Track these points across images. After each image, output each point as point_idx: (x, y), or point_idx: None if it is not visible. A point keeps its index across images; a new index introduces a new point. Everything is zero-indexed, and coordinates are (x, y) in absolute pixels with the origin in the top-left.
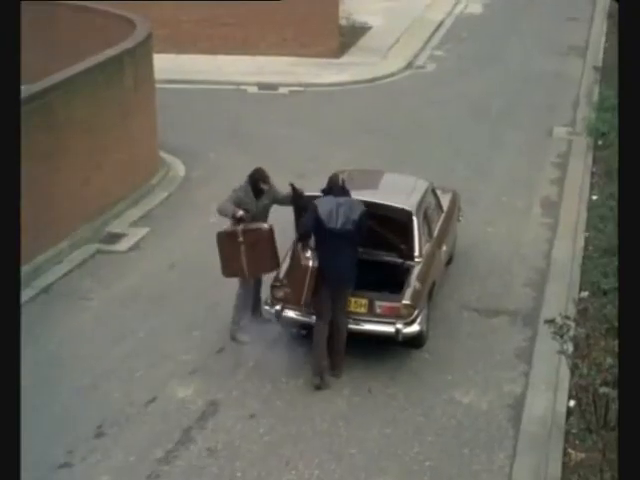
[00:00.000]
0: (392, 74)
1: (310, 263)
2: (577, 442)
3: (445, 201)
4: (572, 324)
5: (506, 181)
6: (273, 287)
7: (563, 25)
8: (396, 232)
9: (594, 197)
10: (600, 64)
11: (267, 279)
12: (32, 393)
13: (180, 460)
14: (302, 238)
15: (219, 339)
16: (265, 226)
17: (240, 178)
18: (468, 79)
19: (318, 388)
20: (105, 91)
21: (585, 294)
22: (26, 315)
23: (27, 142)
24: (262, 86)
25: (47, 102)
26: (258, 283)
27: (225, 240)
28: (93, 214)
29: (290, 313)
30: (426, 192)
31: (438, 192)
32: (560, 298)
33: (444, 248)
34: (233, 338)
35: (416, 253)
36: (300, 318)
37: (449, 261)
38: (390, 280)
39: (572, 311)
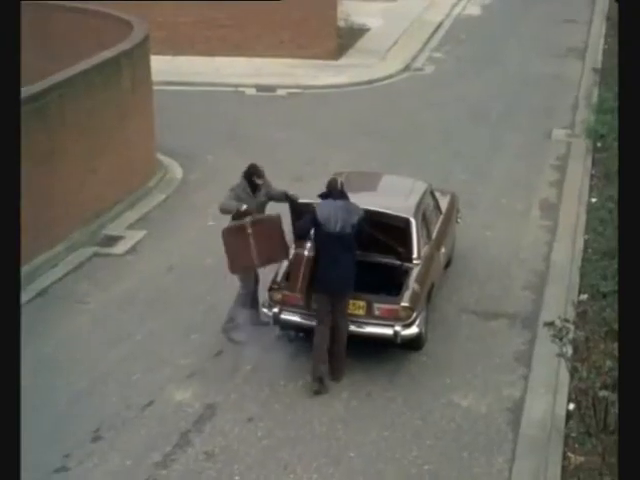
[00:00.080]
0: (390, 76)
1: (306, 252)
2: (576, 446)
3: (444, 203)
4: (571, 327)
5: (505, 183)
6: (271, 289)
7: (562, 27)
8: (395, 234)
9: (593, 199)
10: (599, 66)
11: (265, 281)
12: (29, 396)
13: (177, 464)
14: (300, 238)
15: (217, 342)
16: (274, 215)
17: (238, 180)
18: (467, 81)
19: (317, 393)
20: (102, 93)
21: (584, 297)
22: (23, 318)
23: (23, 144)
24: (260, 88)
25: (43, 104)
26: (255, 285)
27: (233, 234)
28: (90, 217)
29: (288, 316)
30: (425, 194)
31: (437, 194)
32: (559, 301)
33: (443, 250)
34: (228, 337)
35: (414, 255)
36: (298, 320)
37: (448, 263)
38: (389, 282)
39: (571, 314)
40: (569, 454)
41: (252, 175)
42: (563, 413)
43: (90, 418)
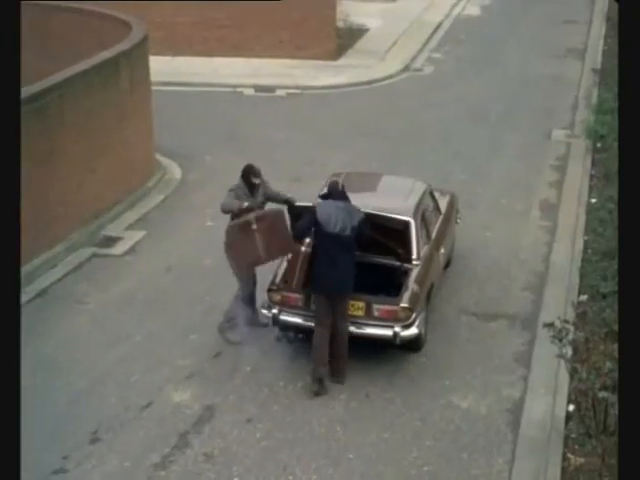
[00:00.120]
0: (390, 76)
1: (303, 248)
2: (576, 447)
3: (443, 203)
4: (571, 328)
5: (504, 184)
6: (270, 291)
7: (561, 27)
8: (394, 235)
9: (593, 200)
10: (599, 66)
11: (264, 283)
12: (27, 397)
13: (176, 465)
14: (298, 239)
15: (216, 343)
16: (276, 209)
17: (236, 181)
18: (466, 82)
19: (317, 394)
20: (101, 93)
21: (584, 298)
22: (22, 318)
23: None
24: (258, 88)
25: (42, 104)
26: (253, 286)
27: (238, 232)
28: (89, 217)
29: (287, 317)
30: (424, 194)
31: (436, 194)
32: (559, 302)
33: (442, 251)
34: (224, 337)
35: (414, 256)
36: (297, 321)
37: (447, 264)
38: (388, 283)
39: (571, 315)
40: (569, 455)
41: (249, 175)
42: (563, 414)
43: (89, 419)
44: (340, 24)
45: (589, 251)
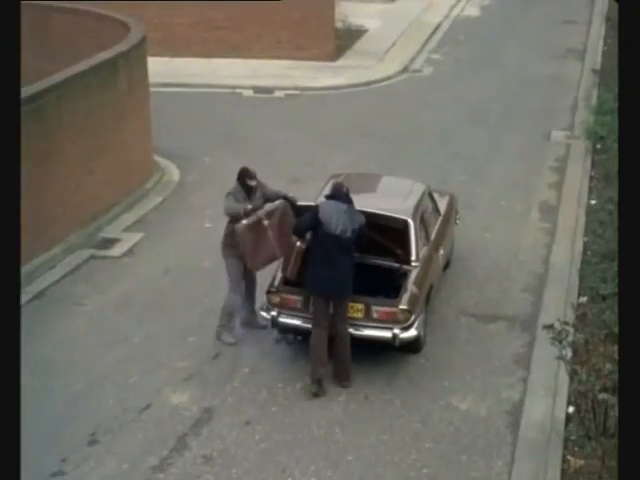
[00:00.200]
0: (389, 77)
1: (298, 243)
2: (576, 449)
3: (442, 204)
4: (571, 330)
5: (504, 185)
6: (269, 293)
7: (561, 28)
8: (393, 236)
9: (592, 201)
10: (598, 67)
11: (262, 285)
12: (25, 399)
13: (175, 468)
14: (298, 235)
15: (214, 345)
16: (280, 203)
17: (234, 183)
18: (465, 82)
19: (316, 395)
20: (99, 94)
21: (584, 299)
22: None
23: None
24: (257, 89)
25: (40, 105)
26: (252, 288)
27: (250, 231)
28: (86, 219)
29: (286, 319)
30: (423, 195)
31: (435, 195)
32: (559, 303)
33: (441, 252)
34: (218, 338)
35: (413, 257)
36: (296, 323)
37: (447, 265)
38: (387, 285)
39: (571, 316)
40: (569, 457)
41: (244, 178)
42: (562, 416)
43: (87, 421)
44: (339, 25)
45: (589, 253)
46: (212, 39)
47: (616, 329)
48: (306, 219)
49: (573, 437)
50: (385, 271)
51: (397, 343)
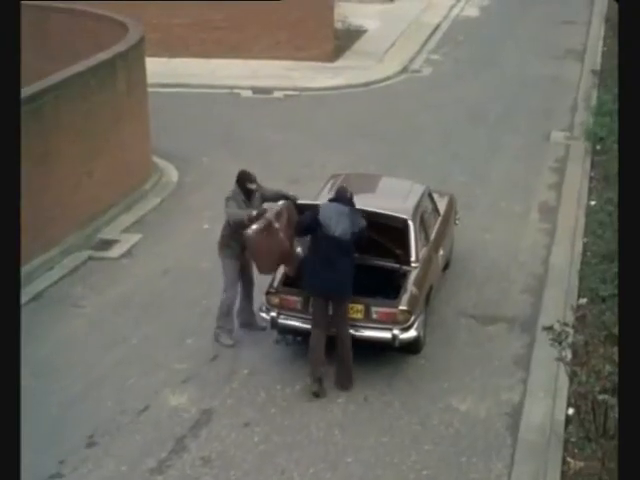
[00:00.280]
0: (388, 78)
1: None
2: (576, 451)
3: (442, 205)
4: (570, 331)
5: (503, 186)
6: (268, 293)
7: (560, 28)
8: (393, 237)
9: (592, 202)
10: (598, 68)
11: (262, 286)
12: (23, 401)
13: (173, 470)
14: (299, 235)
15: (213, 346)
16: (283, 203)
17: (233, 184)
18: (465, 83)
19: (316, 395)
20: (97, 95)
21: (583, 301)
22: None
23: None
24: (256, 90)
25: (39, 105)
26: (249, 289)
27: (262, 236)
28: (85, 220)
29: (285, 320)
30: (422, 196)
31: (435, 196)
32: (558, 305)
33: (441, 252)
34: (217, 340)
35: (413, 258)
36: (295, 324)
37: (446, 265)
38: (387, 285)
39: (570, 318)
40: (568, 459)
41: (244, 182)
42: (562, 418)
43: (85, 423)
44: (338, 25)
45: (588, 254)
46: (211, 39)
47: (616, 330)
48: (306, 219)
49: (573, 439)
50: (385, 272)
51: (397, 344)
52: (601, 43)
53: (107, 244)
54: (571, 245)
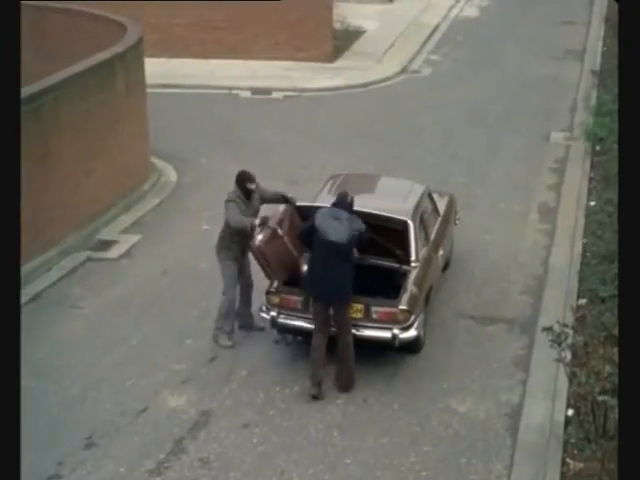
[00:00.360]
0: (387, 78)
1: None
2: (576, 452)
3: (442, 205)
4: (570, 332)
5: (503, 186)
6: (268, 293)
7: (560, 29)
8: (393, 237)
9: (592, 203)
10: (598, 68)
11: (261, 287)
12: (22, 402)
13: (172, 471)
14: (300, 241)
15: (212, 347)
16: (284, 207)
17: (232, 184)
18: (464, 83)
19: (315, 398)
20: (96, 95)
21: (583, 301)
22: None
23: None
24: (255, 90)
25: (38, 105)
26: (248, 291)
27: (269, 246)
28: (84, 220)
29: (285, 319)
30: (422, 196)
31: (435, 196)
32: (558, 305)
33: (441, 252)
34: (215, 341)
35: (412, 258)
36: (296, 324)
37: (446, 265)
38: (387, 285)
39: (570, 319)
40: (568, 460)
41: (244, 182)
42: (562, 419)
43: (83, 424)
44: (337, 26)
45: (588, 254)
46: (210, 40)
47: (615, 331)
48: (304, 225)
49: (572, 440)
50: (385, 271)
51: (397, 343)
52: (601, 43)
53: (106, 245)
54: (571, 246)
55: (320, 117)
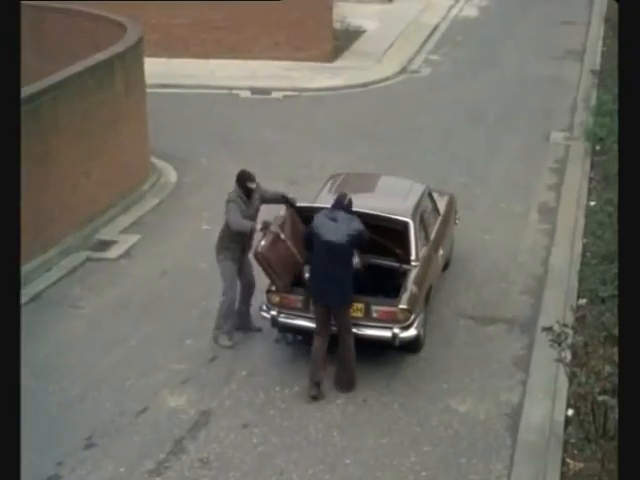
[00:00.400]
0: (387, 78)
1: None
2: (576, 452)
3: (442, 204)
4: (570, 332)
5: (503, 186)
6: (269, 292)
7: (560, 29)
8: (393, 236)
9: (592, 203)
10: (597, 68)
11: (261, 286)
12: (22, 402)
13: (172, 471)
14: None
15: (211, 347)
16: (287, 209)
17: (232, 184)
18: (464, 83)
19: (315, 398)
20: (95, 95)
21: (583, 301)
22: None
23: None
24: (255, 90)
25: (37, 105)
26: (249, 292)
27: (273, 250)
28: (83, 220)
29: (286, 318)
30: (422, 195)
31: (435, 195)
32: (558, 305)
33: (441, 252)
34: (215, 341)
35: (413, 257)
36: (296, 323)
37: (446, 265)
38: (387, 284)
39: (570, 319)
40: (568, 460)
41: (245, 181)
42: (562, 419)
43: (83, 424)
44: (337, 26)
45: (588, 254)
46: (210, 40)
47: (615, 331)
48: (307, 229)
49: (572, 440)
50: (385, 271)
51: (397, 343)
52: (600, 43)
53: (105, 245)
54: (571, 246)
55: (320, 117)
